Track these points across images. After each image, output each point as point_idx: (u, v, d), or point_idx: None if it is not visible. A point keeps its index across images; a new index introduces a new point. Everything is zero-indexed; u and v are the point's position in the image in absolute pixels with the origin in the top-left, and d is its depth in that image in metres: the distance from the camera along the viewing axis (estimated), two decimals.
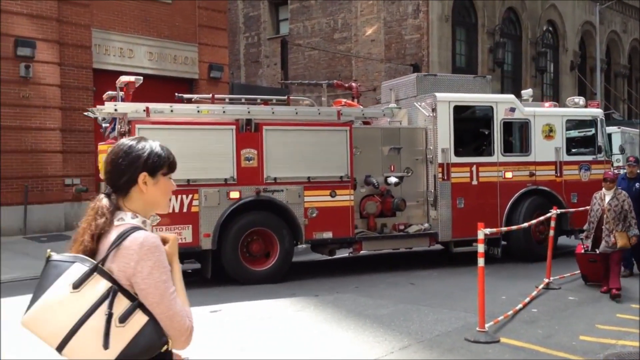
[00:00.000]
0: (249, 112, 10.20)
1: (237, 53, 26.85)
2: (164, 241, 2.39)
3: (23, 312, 2.21)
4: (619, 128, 23.20)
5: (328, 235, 10.55)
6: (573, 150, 12.67)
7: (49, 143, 16.64)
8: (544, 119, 12.15)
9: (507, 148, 11.96)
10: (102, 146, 9.87)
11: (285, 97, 11.53)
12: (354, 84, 12.24)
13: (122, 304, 2.16)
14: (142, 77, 10.21)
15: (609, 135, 22.93)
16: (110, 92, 10.57)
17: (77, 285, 2.15)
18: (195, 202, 9.77)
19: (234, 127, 10.04)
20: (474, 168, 11.54)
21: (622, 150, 18.37)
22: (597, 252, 9.14)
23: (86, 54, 17.66)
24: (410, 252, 12.31)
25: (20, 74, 16.08)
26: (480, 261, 7.06)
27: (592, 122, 12.70)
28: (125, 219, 2.31)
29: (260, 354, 6.54)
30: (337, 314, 8.01)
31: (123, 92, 9.95)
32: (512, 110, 11.85)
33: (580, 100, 12.89)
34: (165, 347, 2.27)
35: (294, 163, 10.36)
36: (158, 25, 19.28)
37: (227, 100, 11.32)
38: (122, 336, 2.15)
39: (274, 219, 10.28)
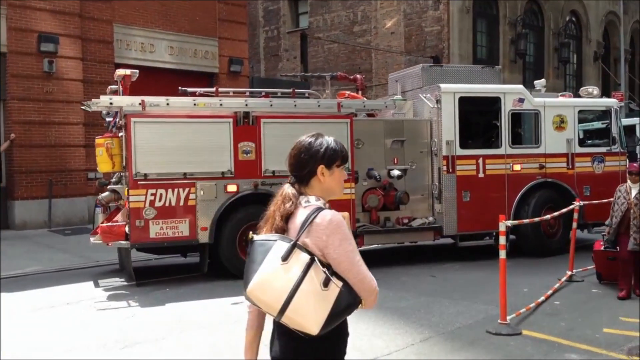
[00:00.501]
0: (246, 104, 9.65)
1: (256, 47, 26.30)
2: None
3: (245, 284, 2.52)
4: None
5: None
6: (586, 141, 11.82)
7: (72, 137, 16.41)
8: (554, 110, 11.31)
9: (516, 140, 11.16)
10: (98, 140, 9.43)
11: (291, 89, 10.91)
12: (358, 76, 11.56)
13: (320, 271, 2.46)
14: (137, 71, 9.77)
15: (633, 127, 21.86)
16: (112, 86, 10.14)
17: (285, 258, 2.47)
18: (192, 196, 9.27)
19: (231, 120, 9.50)
20: (480, 160, 10.79)
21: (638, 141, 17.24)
22: (618, 249, 8.31)
23: (108, 49, 17.35)
24: (431, 245, 11.66)
25: (43, 69, 15.84)
26: (502, 253, 6.74)
27: (606, 113, 11.79)
28: (311, 202, 2.61)
29: None
30: None
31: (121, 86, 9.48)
32: (521, 101, 11.04)
33: (594, 90, 11.98)
34: (360, 306, 2.57)
35: None
36: (178, 20, 18.85)
37: (230, 93, 10.76)
38: (328, 297, 2.46)
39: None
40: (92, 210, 10.27)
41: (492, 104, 10.96)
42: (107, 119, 10.29)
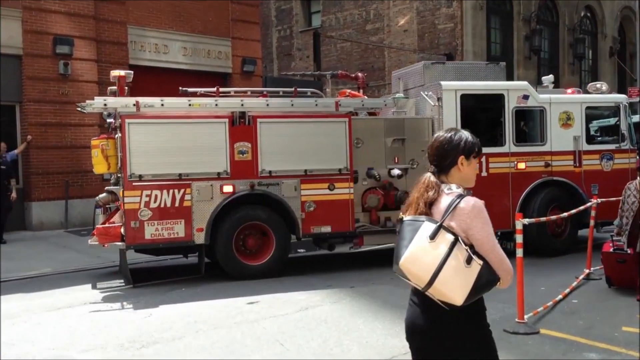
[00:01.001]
0: (242, 104, 9.26)
1: (269, 46, 25.83)
2: None
3: (396, 258, 2.77)
4: None
5: (327, 229, 9.51)
6: (594, 138, 11.16)
7: (88, 139, 16.05)
8: (560, 107, 10.68)
9: (520, 137, 10.57)
10: (94, 141, 9.13)
11: (293, 89, 10.46)
12: (359, 74, 11.07)
13: (463, 250, 2.68)
14: (132, 72, 9.47)
15: None
16: (111, 87, 9.81)
17: (432, 236, 2.69)
18: (187, 197, 8.91)
19: (227, 120, 9.11)
20: (483, 159, 10.21)
21: None
22: (629, 251, 7.58)
23: (122, 50, 17.09)
24: None
25: (59, 71, 15.65)
26: (519, 252, 6.53)
27: (614, 109, 11.12)
28: (453, 189, 2.83)
29: (297, 346, 6.06)
30: (374, 305, 7.52)
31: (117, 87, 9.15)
32: (526, 97, 10.44)
33: (603, 85, 11.31)
34: (497, 284, 2.79)
35: (290, 156, 9.35)
36: (192, 21, 18.53)
37: (232, 92, 10.36)
38: (471, 273, 2.68)
39: (269, 213, 9.31)
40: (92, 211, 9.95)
41: (496, 101, 10.38)
42: (108, 120, 9.95)
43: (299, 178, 9.36)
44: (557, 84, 18.20)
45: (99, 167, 8.95)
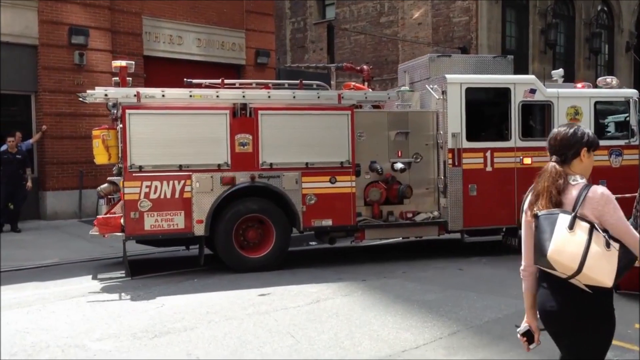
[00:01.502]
0: (243, 96, 9.02)
1: (283, 38, 25.47)
2: None
3: (540, 251, 2.96)
4: None
5: (327, 222, 9.27)
6: (603, 134, 10.72)
7: None
8: (568, 101, 10.27)
9: (526, 132, 10.19)
10: (95, 131, 8.96)
11: (298, 80, 10.19)
12: (365, 67, 10.73)
13: (600, 236, 2.87)
14: (133, 62, 9.25)
15: None
16: (115, 78, 9.63)
17: (571, 227, 2.88)
18: (187, 188, 8.72)
19: (228, 111, 8.89)
20: (488, 153, 9.88)
21: None
22: None
23: (137, 41, 16.91)
24: (457, 238, 10.84)
25: (74, 61, 15.53)
26: None
27: (624, 104, 10.67)
28: (578, 180, 3.03)
29: (308, 338, 5.96)
30: (385, 299, 7.39)
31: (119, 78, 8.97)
32: (532, 91, 10.05)
33: (613, 80, 10.86)
34: (637, 263, 2.95)
35: (292, 148, 9.11)
36: (206, 12, 18.27)
37: (237, 84, 10.10)
38: (612, 256, 2.88)
39: (270, 206, 9.09)
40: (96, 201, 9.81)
41: (501, 94, 10.02)
42: (113, 110, 9.79)
43: (300, 171, 9.12)
44: (572, 79, 17.69)
45: (100, 157, 8.79)
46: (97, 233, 8.70)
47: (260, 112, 8.98)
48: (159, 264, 9.88)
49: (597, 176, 10.24)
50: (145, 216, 8.49)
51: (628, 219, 7.45)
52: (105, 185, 9.08)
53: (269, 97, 9.10)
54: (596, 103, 10.44)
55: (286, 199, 9.06)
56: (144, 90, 8.66)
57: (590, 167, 3.17)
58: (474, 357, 5.47)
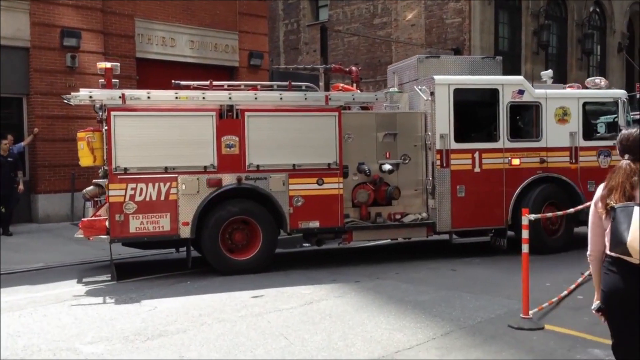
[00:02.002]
0: (230, 98, 8.89)
1: (276, 40, 25.33)
2: None
3: (619, 240, 3.31)
4: None
5: (315, 224, 9.13)
6: (592, 134, 10.60)
7: None
8: (557, 102, 10.15)
9: (515, 133, 10.06)
10: (80, 133, 8.83)
11: (287, 82, 10.07)
12: (354, 68, 10.60)
13: None
14: (118, 64, 9.11)
15: None
16: (102, 80, 9.49)
17: None
18: (173, 190, 8.58)
19: (214, 113, 8.76)
20: (476, 154, 9.75)
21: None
22: None
23: (129, 43, 16.75)
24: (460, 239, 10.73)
25: (66, 63, 15.35)
26: (525, 247, 6.37)
27: (613, 105, 10.55)
28: None
29: (301, 340, 5.92)
30: (378, 300, 7.35)
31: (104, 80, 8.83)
32: (521, 92, 9.93)
33: (602, 81, 10.73)
34: None
35: (279, 150, 8.98)
36: (199, 14, 18.11)
37: (225, 86, 9.96)
38: None
39: (257, 208, 8.95)
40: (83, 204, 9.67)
41: (490, 95, 9.89)
42: (100, 113, 9.65)
43: (287, 172, 8.99)
44: (564, 80, 17.57)
45: (85, 159, 8.66)
46: (82, 236, 8.55)
47: (246, 113, 8.85)
48: (152, 266, 9.74)
49: (585, 177, 10.25)
50: (131, 219, 8.35)
51: None
52: (91, 187, 8.95)
53: (256, 98, 8.98)
54: (584, 104, 10.33)
55: (273, 200, 8.93)
56: (130, 92, 8.52)
57: None
58: (466, 357, 5.43)
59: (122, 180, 8.36)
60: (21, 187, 13.31)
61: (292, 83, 9.88)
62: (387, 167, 9.43)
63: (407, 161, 9.70)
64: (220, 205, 8.79)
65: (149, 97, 8.58)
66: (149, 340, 5.94)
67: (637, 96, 23.96)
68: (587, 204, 8.55)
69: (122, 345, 5.82)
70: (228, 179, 8.79)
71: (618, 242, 3.29)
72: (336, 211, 9.14)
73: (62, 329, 6.39)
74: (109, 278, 8.76)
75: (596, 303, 3.71)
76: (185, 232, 8.61)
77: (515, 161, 9.91)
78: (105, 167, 8.61)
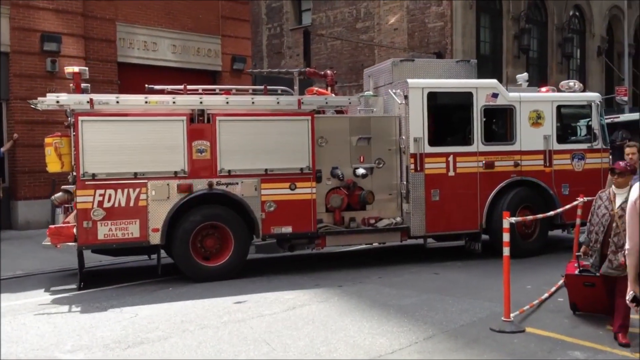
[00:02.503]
0: (201, 102, 8.64)
1: (259, 44, 25.05)
2: None
3: None
4: None
5: (287, 229, 8.89)
6: (566, 138, 10.43)
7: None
8: (531, 105, 9.98)
9: (489, 136, 9.87)
10: (47, 139, 8.55)
11: (263, 86, 9.84)
12: (329, 72, 10.37)
13: None
14: (87, 68, 8.83)
15: (636, 122, 20.06)
16: (73, 85, 9.21)
17: None
18: (143, 196, 8.32)
19: (185, 118, 8.50)
20: (450, 158, 9.56)
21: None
22: (599, 274, 6.02)
23: (111, 47, 16.45)
24: (435, 243, 10.57)
25: (46, 68, 15.03)
26: (506, 250, 6.29)
27: (586, 108, 10.39)
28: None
29: (283, 345, 5.83)
30: (361, 304, 7.25)
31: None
32: (495, 96, 9.75)
33: (576, 84, 10.58)
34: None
35: (251, 155, 8.74)
36: (181, 18, 17.83)
37: (200, 90, 9.69)
38: None
39: (228, 213, 8.70)
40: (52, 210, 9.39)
41: (464, 99, 9.70)
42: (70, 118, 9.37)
43: (260, 177, 8.76)
44: (545, 83, 17.39)
45: (52, 165, 8.39)
46: (50, 244, 8.27)
47: (218, 118, 8.61)
48: (133, 273, 9.47)
49: (559, 180, 10.08)
50: (99, 225, 8.08)
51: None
52: (60, 194, 8.68)
53: (227, 103, 8.74)
54: (558, 107, 10.16)
55: (245, 206, 8.68)
56: (98, 97, 8.25)
57: None
58: None
59: (90, 186, 8.09)
60: (0, 193, 12.97)
61: (268, 87, 9.66)
62: (360, 171, 9.22)
63: (381, 165, 9.49)
64: (191, 211, 8.54)
65: (117, 102, 8.32)
66: (129, 348, 5.79)
67: (616, 99, 23.94)
68: (566, 207, 8.48)
69: (102, 354, 5.68)
70: (199, 185, 8.54)
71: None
72: (309, 216, 8.91)
73: (41, 337, 6.23)
74: (90, 285, 8.52)
75: (630, 294, 4.09)
76: (155, 238, 8.35)
77: (490, 165, 9.71)
78: (74, 173, 8.34)
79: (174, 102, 8.50)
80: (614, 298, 5.76)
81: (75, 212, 8.24)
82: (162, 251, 8.77)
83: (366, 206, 9.38)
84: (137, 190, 8.27)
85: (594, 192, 7.44)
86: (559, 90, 10.63)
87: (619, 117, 21.23)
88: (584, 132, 10.61)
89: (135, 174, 8.28)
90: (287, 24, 24.93)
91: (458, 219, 9.60)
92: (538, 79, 23.59)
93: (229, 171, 8.64)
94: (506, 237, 6.32)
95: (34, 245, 12.21)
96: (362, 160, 9.37)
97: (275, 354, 5.57)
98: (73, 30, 15.50)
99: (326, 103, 9.35)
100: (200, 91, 9.46)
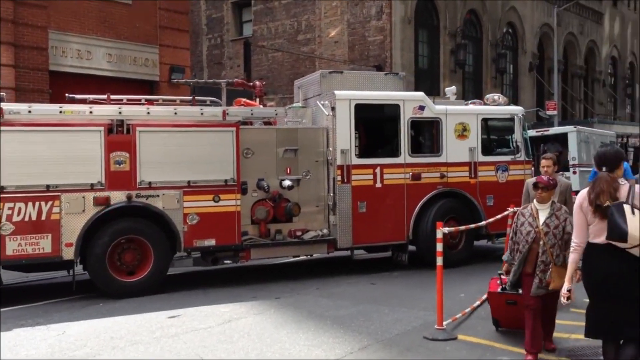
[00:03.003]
0: (120, 112, 8.20)
1: (199, 55, 24.57)
2: None
3: (620, 230, 4.07)
4: (575, 127, 20.73)
5: (211, 242, 8.52)
6: (490, 150, 10.45)
7: None
8: (457, 118, 9.95)
9: (416, 148, 9.79)
10: None
11: (191, 97, 9.46)
12: (257, 83, 10.10)
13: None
14: None
15: (565, 135, 20.57)
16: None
17: (632, 212, 4.09)
18: (55, 209, 7.80)
19: (102, 128, 8.04)
20: (377, 170, 9.40)
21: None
22: (521, 291, 5.73)
23: (42, 56, 15.64)
24: (361, 255, 10.42)
25: None
26: (439, 260, 6.30)
27: (510, 121, 10.44)
28: (623, 182, 4.25)
29: None
30: (298, 315, 7.11)
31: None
32: (421, 108, 9.67)
33: (500, 97, 10.65)
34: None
35: (173, 166, 8.34)
36: (117, 27, 17.16)
37: (124, 100, 9.22)
38: None
39: (148, 226, 8.27)
40: None
41: (391, 111, 9.58)
42: None
43: (182, 189, 8.37)
44: (480, 97, 17.59)
45: None
46: None
47: (138, 129, 8.19)
48: (62, 288, 8.84)
49: (484, 191, 10.07)
50: (7, 240, 7.53)
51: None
52: None
53: (148, 113, 8.33)
54: (483, 120, 10.17)
55: (166, 219, 8.27)
56: (8, 106, 7.72)
57: (621, 173, 4.34)
58: None
59: None
60: None
61: (197, 98, 9.29)
62: (287, 183, 8.95)
63: (308, 177, 9.24)
64: (108, 224, 8.06)
65: (30, 112, 7.81)
66: None
67: (546, 114, 24.56)
68: (497, 217, 8.38)
69: None
70: (117, 197, 8.08)
71: (617, 231, 4.04)
72: (233, 229, 8.57)
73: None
74: (16, 303, 7.95)
75: (568, 286, 4.44)
76: (68, 253, 7.85)
77: (417, 176, 9.61)
78: None
79: (90, 112, 8.03)
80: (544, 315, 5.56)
81: None
82: (80, 266, 8.26)
83: (293, 218, 9.10)
84: (50, 203, 7.76)
85: (517, 203, 7.44)
86: (485, 104, 10.65)
87: (548, 130, 21.80)
88: (507, 144, 10.64)
89: (48, 186, 7.77)
90: (228, 34, 24.53)
91: (385, 231, 9.44)
92: (474, 93, 24.01)
93: (150, 183, 8.22)
94: (439, 247, 6.29)
95: None
96: (289, 172, 9.10)
97: None
98: (2, 37, 14.69)
99: (252, 114, 9.06)
100: (125, 101, 9.01)
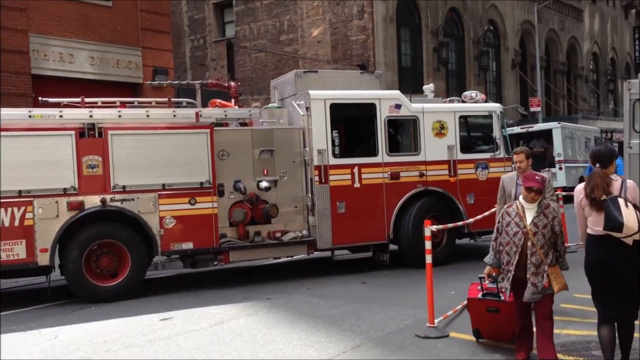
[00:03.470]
0: (91, 116, 7.99)
1: (182, 56, 24.32)
2: None
3: (615, 221, 4.39)
4: (559, 124, 20.71)
5: (188, 246, 8.34)
6: (469, 147, 10.31)
7: None
8: (434, 116, 9.80)
9: (394, 147, 9.63)
10: None
11: (166, 99, 9.27)
12: (232, 83, 9.90)
13: (637, 210, 4.43)
14: None
15: (549, 131, 20.53)
16: None
17: (626, 205, 4.38)
18: (28, 215, 7.60)
19: (73, 132, 7.84)
20: (355, 170, 9.24)
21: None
22: (503, 297, 5.38)
23: (24, 59, 15.37)
24: (342, 256, 10.20)
25: None
26: (428, 258, 6.25)
27: (488, 118, 10.30)
28: (615, 177, 4.61)
29: None
30: (290, 316, 7.02)
31: None
32: (398, 107, 9.51)
33: (478, 94, 10.49)
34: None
35: (147, 170, 8.15)
36: (99, 29, 16.89)
37: (99, 103, 9.00)
38: None
39: (124, 231, 8.07)
40: None
41: (367, 110, 9.41)
42: None
43: (157, 192, 8.17)
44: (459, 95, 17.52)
45: None
46: None
47: (110, 132, 7.99)
48: (54, 292, 8.62)
49: (464, 189, 9.92)
50: None
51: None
52: None
53: (120, 116, 8.13)
54: (460, 117, 10.02)
55: (142, 222, 8.08)
56: None
57: (613, 170, 4.63)
58: None
59: None
60: None
61: (173, 100, 9.09)
62: (264, 184, 8.77)
63: (285, 178, 9.06)
64: (83, 229, 7.86)
65: None
66: None
67: (524, 110, 24.48)
68: (485, 214, 8.24)
69: None
70: (91, 201, 7.88)
71: (613, 223, 4.33)
72: (210, 231, 8.39)
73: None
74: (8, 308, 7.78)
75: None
76: (43, 259, 7.64)
77: (395, 175, 9.46)
78: None
79: (60, 116, 7.82)
80: (529, 323, 5.23)
81: None
82: (57, 272, 8.05)
83: (271, 220, 8.92)
84: (22, 208, 7.56)
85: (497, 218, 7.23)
86: (462, 101, 10.51)
87: (532, 126, 21.75)
88: (487, 141, 10.51)
89: (20, 191, 7.56)
90: (211, 35, 24.28)
91: (365, 231, 9.28)
92: (457, 91, 23.92)
93: (124, 187, 8.03)
94: (428, 244, 6.19)
95: None
96: (265, 173, 8.92)
97: None
98: None
99: (225, 115, 8.87)
100: (99, 104, 8.80)
